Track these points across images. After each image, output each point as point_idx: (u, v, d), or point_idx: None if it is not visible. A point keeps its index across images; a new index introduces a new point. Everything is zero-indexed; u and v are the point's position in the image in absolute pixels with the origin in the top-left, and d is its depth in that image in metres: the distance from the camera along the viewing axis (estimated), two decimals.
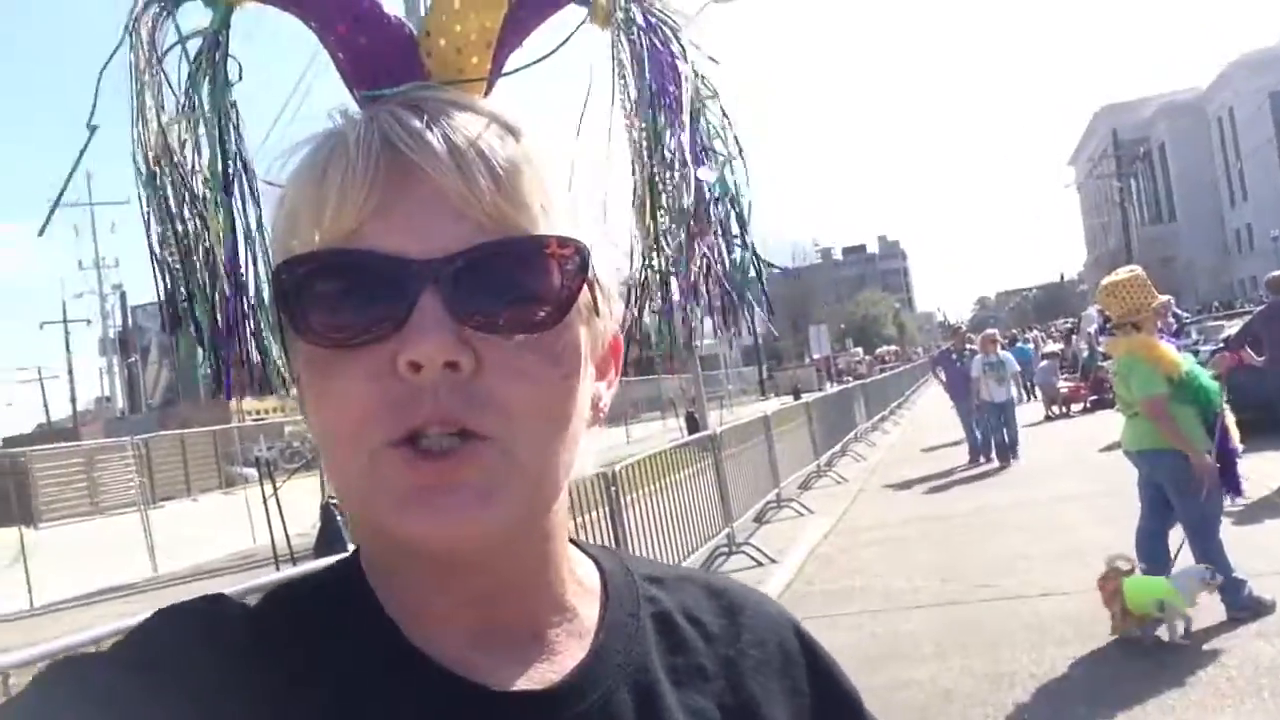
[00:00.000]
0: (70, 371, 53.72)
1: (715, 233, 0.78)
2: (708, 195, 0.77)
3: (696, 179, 0.75)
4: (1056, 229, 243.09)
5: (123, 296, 57.45)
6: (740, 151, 0.80)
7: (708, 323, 0.81)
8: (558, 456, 0.68)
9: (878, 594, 7.81)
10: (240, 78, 0.73)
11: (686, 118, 0.76)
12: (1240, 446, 6.04)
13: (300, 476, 14.42)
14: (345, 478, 0.66)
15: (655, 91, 0.74)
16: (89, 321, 62.47)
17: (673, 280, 0.77)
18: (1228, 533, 6.00)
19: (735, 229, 0.80)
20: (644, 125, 0.75)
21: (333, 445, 0.66)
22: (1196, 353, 10.46)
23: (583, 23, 0.75)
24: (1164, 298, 6.26)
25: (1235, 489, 5.98)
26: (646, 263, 0.77)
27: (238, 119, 0.73)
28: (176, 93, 0.71)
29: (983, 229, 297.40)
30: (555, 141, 0.70)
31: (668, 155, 0.74)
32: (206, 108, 0.71)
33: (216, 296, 0.72)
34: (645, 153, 0.75)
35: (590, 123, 0.73)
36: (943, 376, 16.59)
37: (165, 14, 0.72)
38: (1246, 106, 76.72)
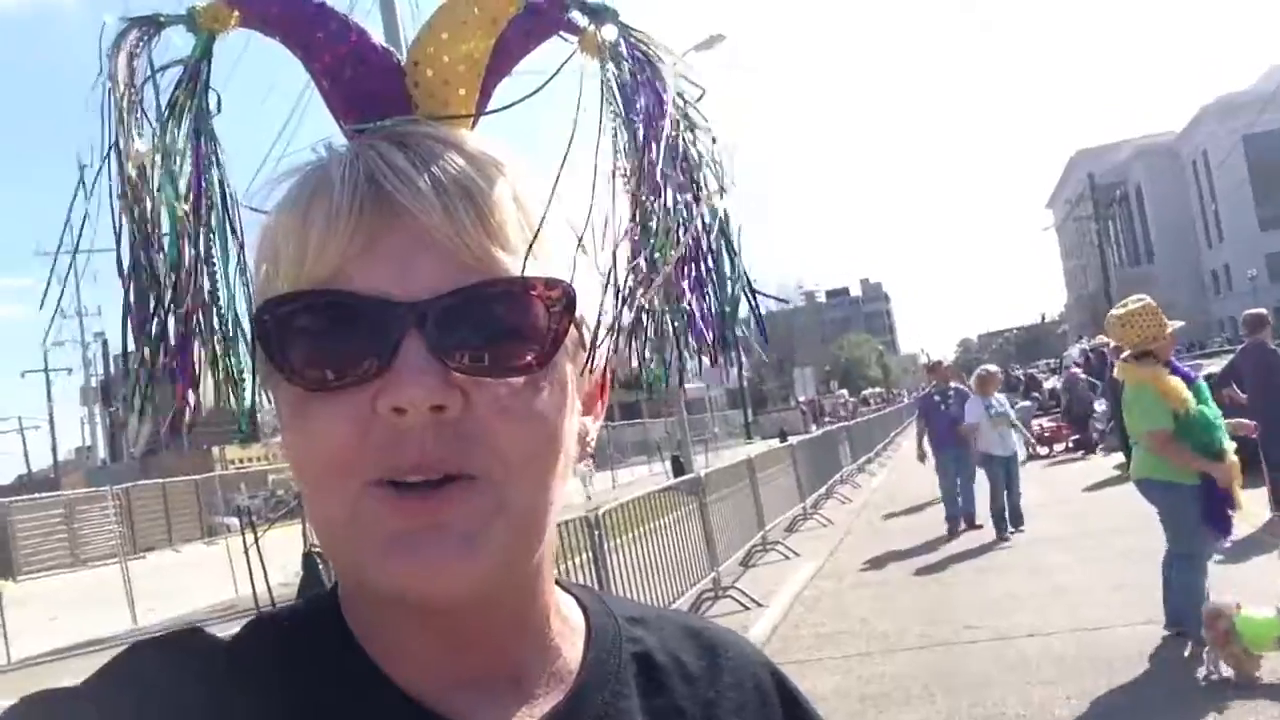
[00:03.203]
0: (51, 421, 53.24)
1: (705, 264, 0.72)
2: (699, 224, 0.71)
3: (686, 205, 0.70)
4: (1036, 271, 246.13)
5: (104, 344, 56.94)
6: (729, 184, 0.73)
7: (692, 363, 0.75)
8: (545, 496, 0.66)
9: (865, 637, 7.77)
10: (220, 109, 0.70)
11: (670, 143, 0.69)
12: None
13: (283, 525, 14.26)
14: (326, 522, 0.65)
15: (645, 115, 0.69)
16: (70, 370, 61.98)
17: (666, 316, 0.72)
18: (1214, 569, 6.04)
19: (727, 261, 0.73)
20: (632, 150, 0.68)
21: (313, 487, 0.64)
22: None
23: (572, 55, 0.71)
24: (1177, 323, 6.26)
25: (1225, 529, 5.99)
26: (634, 299, 0.70)
27: (217, 149, 0.69)
28: (153, 123, 0.68)
29: (964, 271, 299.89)
30: (541, 178, 0.68)
31: (656, 183, 0.68)
32: (181, 142, 0.68)
33: (183, 328, 0.67)
34: (634, 182, 0.68)
35: (576, 157, 0.68)
36: (926, 444, 12.82)
37: (147, 38, 0.69)
38: (1220, 149, 77.94)
